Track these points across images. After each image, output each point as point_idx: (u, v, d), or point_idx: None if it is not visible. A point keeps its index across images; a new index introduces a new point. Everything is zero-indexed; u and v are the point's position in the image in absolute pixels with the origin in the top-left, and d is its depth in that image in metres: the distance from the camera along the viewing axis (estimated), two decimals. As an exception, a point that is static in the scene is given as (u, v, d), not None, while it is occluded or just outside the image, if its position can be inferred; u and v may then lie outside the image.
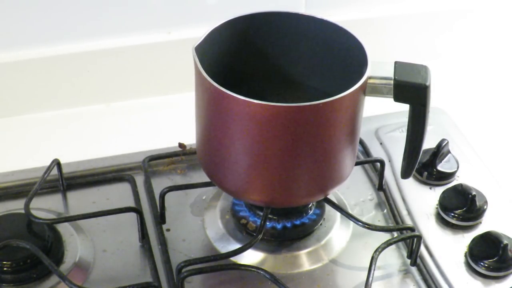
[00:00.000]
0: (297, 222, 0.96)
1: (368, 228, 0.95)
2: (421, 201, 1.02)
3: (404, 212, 1.01)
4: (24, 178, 1.02)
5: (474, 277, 0.93)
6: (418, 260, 0.95)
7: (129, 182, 1.03)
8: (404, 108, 0.88)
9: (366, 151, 1.09)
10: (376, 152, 1.09)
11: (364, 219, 0.97)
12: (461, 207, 0.98)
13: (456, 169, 1.05)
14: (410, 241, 0.94)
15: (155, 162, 1.06)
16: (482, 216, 0.99)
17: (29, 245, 0.89)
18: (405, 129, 0.91)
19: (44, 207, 0.99)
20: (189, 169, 1.06)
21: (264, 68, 0.98)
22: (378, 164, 1.04)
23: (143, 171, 1.04)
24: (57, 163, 1.00)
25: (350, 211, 1.00)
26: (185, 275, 0.87)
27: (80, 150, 1.09)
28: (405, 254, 0.96)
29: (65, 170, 1.02)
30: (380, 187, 1.04)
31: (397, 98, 0.86)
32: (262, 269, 0.89)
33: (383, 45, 1.19)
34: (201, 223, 0.99)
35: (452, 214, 0.99)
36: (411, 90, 0.85)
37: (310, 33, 0.94)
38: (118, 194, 1.02)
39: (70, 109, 1.19)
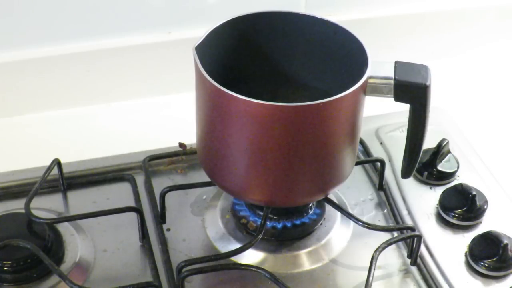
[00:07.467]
0: (298, 222, 0.96)
1: (368, 228, 0.95)
2: (421, 201, 1.02)
3: (404, 212, 1.01)
4: (24, 178, 1.02)
5: (474, 276, 0.93)
6: (418, 260, 0.95)
7: (130, 182, 1.03)
8: (404, 108, 0.88)
9: (366, 151, 1.09)
10: (376, 152, 1.09)
11: (364, 219, 0.97)
12: (461, 207, 0.98)
13: (456, 169, 1.05)
14: (410, 241, 0.94)
15: (155, 162, 1.06)
16: (482, 216, 0.99)
17: (29, 244, 0.89)
18: (405, 129, 0.91)
19: (45, 206, 0.99)
20: (189, 169, 1.06)
21: (264, 68, 0.98)
22: (379, 164, 1.04)
23: (143, 171, 1.04)
24: (57, 163, 1.00)
25: (350, 211, 1.00)
26: (185, 275, 0.87)
27: (80, 150, 1.09)
28: (405, 254, 0.96)
29: (65, 169, 1.02)
30: (380, 187, 1.04)
31: (397, 98, 0.86)
32: (262, 269, 0.89)
33: (383, 45, 1.19)
34: (202, 222, 0.99)
35: (452, 214, 0.99)
36: (411, 90, 0.85)
37: (311, 33, 0.94)
38: (119, 194, 1.02)
39: (70, 109, 1.19)
